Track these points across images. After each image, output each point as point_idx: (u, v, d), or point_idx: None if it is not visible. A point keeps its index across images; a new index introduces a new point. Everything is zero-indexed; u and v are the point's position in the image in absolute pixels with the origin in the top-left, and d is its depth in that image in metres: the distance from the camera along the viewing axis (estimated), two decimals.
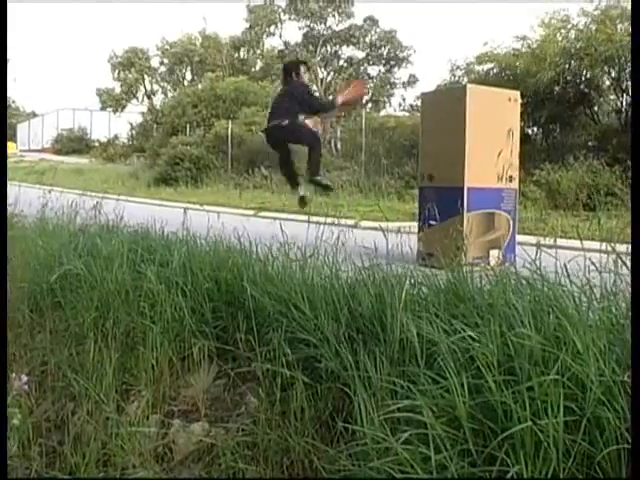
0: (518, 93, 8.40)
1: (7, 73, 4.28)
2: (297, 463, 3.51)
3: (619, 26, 18.38)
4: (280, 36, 49.22)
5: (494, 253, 7.55)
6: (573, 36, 19.51)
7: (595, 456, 2.50)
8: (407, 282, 4.06)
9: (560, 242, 4.09)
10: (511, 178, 7.87)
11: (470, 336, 3.07)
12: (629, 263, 3.28)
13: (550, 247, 3.81)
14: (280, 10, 47.32)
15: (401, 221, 9.65)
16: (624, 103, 19.59)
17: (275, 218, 6.63)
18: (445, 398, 2.83)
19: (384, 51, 49.13)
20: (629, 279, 3.22)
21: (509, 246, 7.77)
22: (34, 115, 60.95)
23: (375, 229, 4.75)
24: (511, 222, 7.89)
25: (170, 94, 50.23)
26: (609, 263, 3.38)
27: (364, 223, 9.78)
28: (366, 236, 4.82)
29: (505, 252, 7.63)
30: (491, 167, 7.62)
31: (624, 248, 3.37)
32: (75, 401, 4.91)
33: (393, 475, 2.61)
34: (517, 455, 2.48)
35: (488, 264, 7.19)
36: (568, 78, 19.47)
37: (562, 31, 19.88)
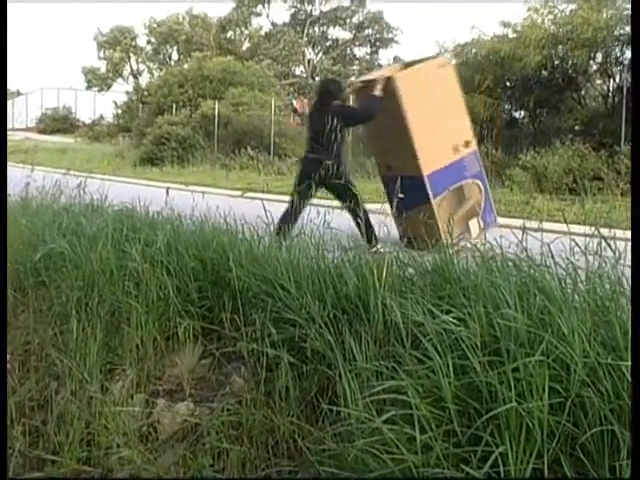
0: (446, 56, 8.02)
1: (7, 70, 4.22)
2: (282, 443, 3.51)
3: (606, 12, 18.40)
4: (267, 16, 48.98)
5: (473, 222, 7.50)
6: (560, 21, 19.49)
7: (579, 437, 2.51)
8: (393, 264, 4.07)
9: (546, 225, 4.09)
10: (467, 143, 7.64)
11: (456, 317, 3.07)
12: (613, 246, 3.30)
13: (536, 230, 3.81)
14: None
15: (386, 203, 9.62)
16: (610, 88, 19.62)
17: (262, 199, 6.60)
18: (430, 379, 2.83)
19: (371, 32, 48.96)
20: (613, 261, 3.24)
21: (486, 209, 7.65)
22: (18, 94, 60.35)
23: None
24: (481, 185, 7.69)
25: (156, 74, 49.83)
26: (593, 246, 3.39)
27: None
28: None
29: (484, 216, 7.58)
30: (444, 142, 7.45)
31: (612, 232, 3.39)
32: (59, 380, 4.88)
33: (378, 455, 2.61)
34: (502, 436, 2.49)
35: (470, 236, 7.21)
36: (555, 63, 19.48)
37: (549, 16, 19.87)
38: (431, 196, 7.20)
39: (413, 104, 7.19)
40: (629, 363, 2.54)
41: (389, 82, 7.18)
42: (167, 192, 6.70)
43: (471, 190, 7.61)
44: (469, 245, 4.05)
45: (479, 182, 7.70)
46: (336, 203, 6.84)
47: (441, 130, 7.36)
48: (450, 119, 7.55)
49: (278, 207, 7.06)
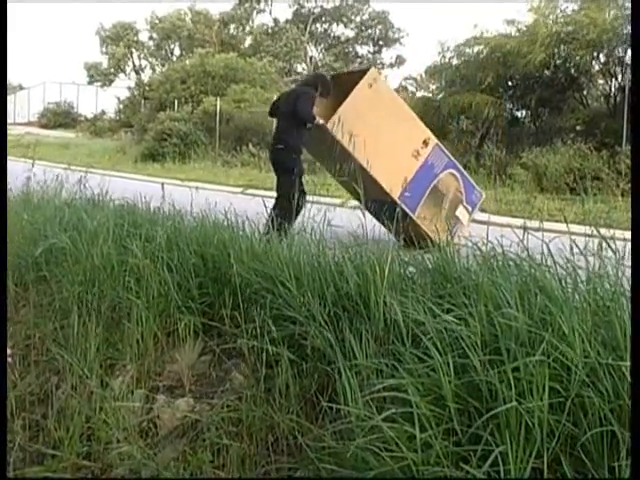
0: (372, 69, 7.55)
1: (7, 66, 4.22)
2: (282, 440, 3.52)
3: (609, 12, 18.39)
4: (270, 13, 48.94)
5: (460, 211, 7.53)
6: (562, 20, 19.48)
7: (579, 437, 2.51)
8: (395, 262, 4.08)
9: (546, 225, 4.10)
10: (426, 141, 7.55)
11: (456, 316, 3.08)
12: (614, 246, 3.31)
13: (536, 230, 3.81)
14: None
15: None
16: (613, 88, 19.60)
17: (263, 196, 6.61)
18: (431, 377, 2.83)
19: (374, 31, 48.95)
20: (614, 262, 3.24)
21: (467, 191, 7.67)
22: (20, 88, 60.30)
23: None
24: (455, 172, 7.71)
25: (158, 69, 49.79)
26: (594, 246, 3.39)
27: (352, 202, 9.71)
28: (353, 215, 4.82)
29: (468, 199, 7.60)
30: (402, 156, 7.37)
31: (613, 232, 3.39)
32: (59, 375, 4.89)
33: (378, 453, 2.61)
34: (502, 435, 2.49)
35: (462, 224, 7.27)
36: (558, 62, 19.45)
37: (551, 16, 19.85)
38: (410, 212, 7.19)
39: (355, 140, 6.98)
40: (629, 363, 2.55)
41: (322, 128, 7.06)
42: (162, 187, 6.72)
43: (447, 182, 7.59)
44: (469, 242, 4.04)
45: (452, 170, 7.67)
46: (336, 200, 6.86)
47: (394, 147, 7.29)
48: (399, 130, 7.43)
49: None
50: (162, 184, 6.90)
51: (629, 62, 17.89)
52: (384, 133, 7.22)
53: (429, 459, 2.55)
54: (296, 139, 7.20)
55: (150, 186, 9.37)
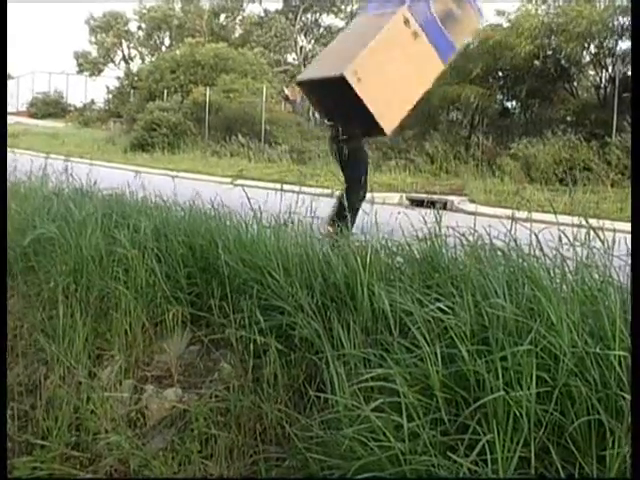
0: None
1: (7, 69, 4.20)
2: (270, 430, 3.51)
3: (600, 3, 18.42)
4: (260, 3, 48.79)
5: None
6: (554, 12, 19.47)
7: (566, 426, 2.52)
8: (383, 252, 4.08)
9: (535, 215, 4.09)
10: (415, 34, 7.02)
11: (445, 306, 3.08)
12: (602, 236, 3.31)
13: (525, 220, 3.81)
14: None
15: (377, 192, 9.62)
16: (603, 79, 19.63)
17: (252, 186, 6.58)
18: (418, 367, 2.84)
19: None
20: (602, 251, 3.25)
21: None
22: (9, 77, 60.06)
23: None
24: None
25: (148, 59, 49.62)
26: (581, 236, 3.40)
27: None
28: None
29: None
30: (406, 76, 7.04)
31: (602, 222, 3.40)
32: (47, 365, 4.87)
33: (366, 442, 2.62)
34: (489, 424, 2.50)
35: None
36: (548, 53, 19.46)
37: (542, 7, 19.85)
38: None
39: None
40: (618, 352, 2.55)
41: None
42: (136, 175, 6.70)
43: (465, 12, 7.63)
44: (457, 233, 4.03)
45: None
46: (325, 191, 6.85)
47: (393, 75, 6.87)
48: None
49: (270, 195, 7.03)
50: (136, 172, 6.87)
51: (619, 53, 17.93)
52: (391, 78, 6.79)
53: (416, 448, 2.55)
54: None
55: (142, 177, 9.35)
